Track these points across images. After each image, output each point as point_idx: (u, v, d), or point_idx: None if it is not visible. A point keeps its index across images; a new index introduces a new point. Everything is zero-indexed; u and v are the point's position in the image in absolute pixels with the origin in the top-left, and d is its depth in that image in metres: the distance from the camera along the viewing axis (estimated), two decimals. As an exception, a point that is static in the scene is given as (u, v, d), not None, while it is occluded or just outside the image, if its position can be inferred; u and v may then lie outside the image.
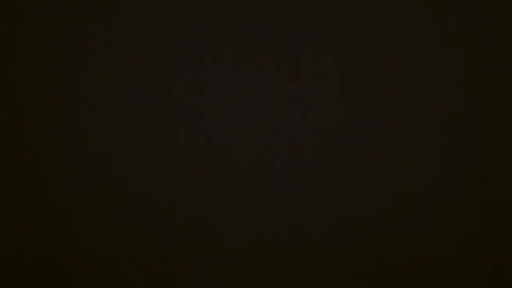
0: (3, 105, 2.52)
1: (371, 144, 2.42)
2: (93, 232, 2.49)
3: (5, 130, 2.52)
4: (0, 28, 2.52)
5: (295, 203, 2.44)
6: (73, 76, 2.50)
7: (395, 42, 2.40)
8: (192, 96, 2.47)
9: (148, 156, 2.48)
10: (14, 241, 2.52)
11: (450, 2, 2.40)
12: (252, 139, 2.45)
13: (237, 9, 2.44)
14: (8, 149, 2.52)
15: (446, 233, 2.40)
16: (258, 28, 2.44)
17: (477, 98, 2.39)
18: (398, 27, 2.40)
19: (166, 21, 2.47)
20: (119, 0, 2.48)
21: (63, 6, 2.50)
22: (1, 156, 2.52)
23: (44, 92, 2.51)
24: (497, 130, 2.39)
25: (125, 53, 2.48)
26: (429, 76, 2.40)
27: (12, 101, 2.52)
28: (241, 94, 2.45)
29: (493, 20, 2.38)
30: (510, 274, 2.38)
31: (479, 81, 2.39)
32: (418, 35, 2.40)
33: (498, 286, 2.39)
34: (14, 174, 2.52)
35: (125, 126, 2.48)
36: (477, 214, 2.39)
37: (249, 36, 2.45)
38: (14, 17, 2.51)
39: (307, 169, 2.43)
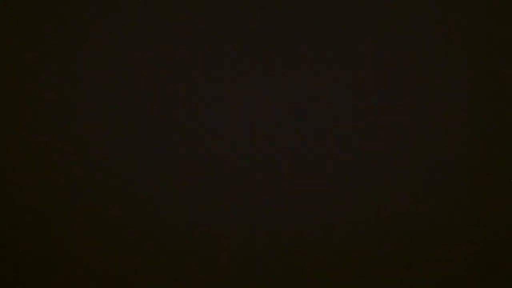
0: (3, 105, 2.53)
1: (371, 144, 2.42)
2: (93, 232, 2.50)
3: (5, 130, 2.52)
4: (0, 28, 2.52)
5: (294, 203, 2.44)
6: (73, 76, 2.50)
7: (395, 42, 2.41)
8: (191, 96, 2.47)
9: (148, 156, 2.48)
10: (14, 241, 2.53)
11: (450, 2, 2.40)
12: (251, 139, 2.46)
13: (237, 9, 2.45)
14: (8, 149, 2.52)
15: (446, 233, 2.41)
16: (258, 28, 2.44)
17: (477, 98, 2.40)
18: (398, 27, 2.41)
19: (166, 21, 2.47)
20: (119, 0, 2.49)
21: (63, 6, 2.50)
22: (1, 156, 2.53)
23: (44, 92, 2.52)
24: (497, 130, 2.39)
25: (125, 53, 2.49)
26: (429, 76, 2.41)
27: (12, 101, 2.52)
28: (240, 94, 2.46)
29: (493, 20, 2.38)
30: (511, 274, 2.38)
31: (479, 81, 2.40)
32: (418, 35, 2.40)
33: (498, 286, 2.39)
34: (14, 174, 2.52)
35: (125, 126, 2.49)
36: (478, 214, 2.40)
37: (249, 37, 2.45)
38: (14, 17, 2.52)
39: (307, 169, 2.44)
